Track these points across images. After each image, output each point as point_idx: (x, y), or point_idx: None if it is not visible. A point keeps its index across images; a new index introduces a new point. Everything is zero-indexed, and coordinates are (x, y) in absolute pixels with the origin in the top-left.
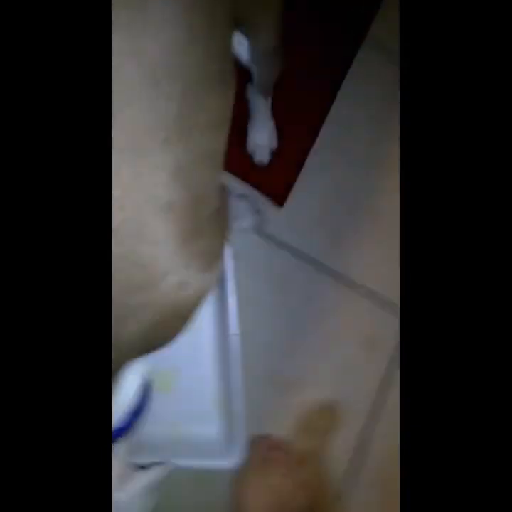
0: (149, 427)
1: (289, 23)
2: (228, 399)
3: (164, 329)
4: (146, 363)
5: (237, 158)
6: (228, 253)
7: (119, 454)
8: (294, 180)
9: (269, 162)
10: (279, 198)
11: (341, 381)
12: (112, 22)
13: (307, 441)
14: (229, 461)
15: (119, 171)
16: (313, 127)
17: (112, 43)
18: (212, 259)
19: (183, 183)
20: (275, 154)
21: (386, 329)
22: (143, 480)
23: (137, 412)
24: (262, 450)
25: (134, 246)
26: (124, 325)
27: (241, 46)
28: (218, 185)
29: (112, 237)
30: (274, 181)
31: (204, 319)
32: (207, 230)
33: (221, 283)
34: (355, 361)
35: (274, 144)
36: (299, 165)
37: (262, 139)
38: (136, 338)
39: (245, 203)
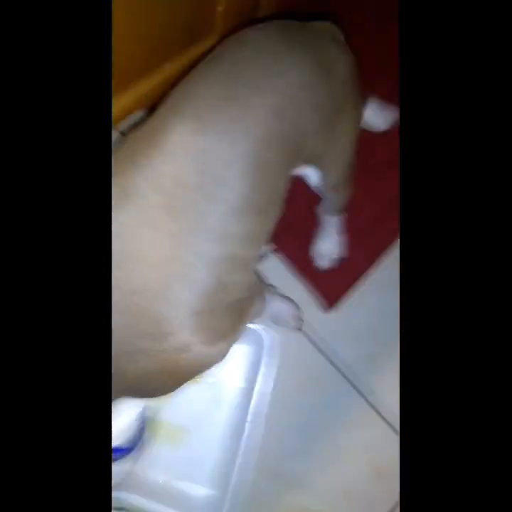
0: (148, 469)
1: None
2: (227, 474)
3: (156, 380)
4: (142, 403)
5: (299, 253)
6: (273, 345)
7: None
8: (349, 290)
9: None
10: (329, 302)
11: (341, 500)
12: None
13: None
14: None
15: (164, 245)
16: (381, 243)
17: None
18: (218, 338)
19: (212, 273)
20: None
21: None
22: None
23: (131, 446)
24: None
25: (153, 302)
26: (125, 361)
27: (310, 174)
28: (246, 284)
29: (137, 289)
30: (330, 285)
31: (231, 395)
32: (223, 313)
33: (256, 368)
34: (360, 484)
35: (339, 255)
36: (359, 277)
37: (326, 249)
38: (132, 377)
39: (287, 306)
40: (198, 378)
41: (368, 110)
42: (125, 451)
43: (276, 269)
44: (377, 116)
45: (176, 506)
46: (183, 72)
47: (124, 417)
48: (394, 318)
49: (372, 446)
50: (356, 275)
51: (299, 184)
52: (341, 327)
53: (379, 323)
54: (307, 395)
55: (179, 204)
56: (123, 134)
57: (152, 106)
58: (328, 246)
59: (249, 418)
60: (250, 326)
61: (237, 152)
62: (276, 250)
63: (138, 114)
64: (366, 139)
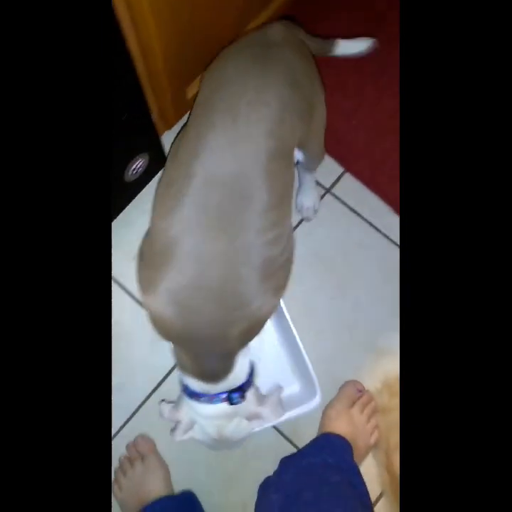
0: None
1: None
2: (299, 367)
3: (251, 332)
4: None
5: (368, 169)
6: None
7: (251, 395)
8: None
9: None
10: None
11: None
12: None
13: (389, 400)
14: (314, 404)
15: (221, 245)
16: None
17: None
18: (278, 291)
19: (262, 253)
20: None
21: None
22: (272, 400)
23: (251, 374)
24: (351, 390)
25: (233, 286)
26: (231, 328)
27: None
28: (287, 250)
29: (224, 280)
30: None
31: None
32: (278, 274)
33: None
34: None
35: (317, 206)
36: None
37: (308, 202)
38: (237, 335)
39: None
40: None
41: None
42: (245, 386)
43: (354, 188)
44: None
45: (286, 409)
46: None
47: (244, 360)
48: None
49: None
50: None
51: None
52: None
53: None
54: (389, 286)
55: (224, 209)
56: None
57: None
58: (308, 198)
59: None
60: None
61: (257, 158)
62: (351, 172)
63: None
64: None
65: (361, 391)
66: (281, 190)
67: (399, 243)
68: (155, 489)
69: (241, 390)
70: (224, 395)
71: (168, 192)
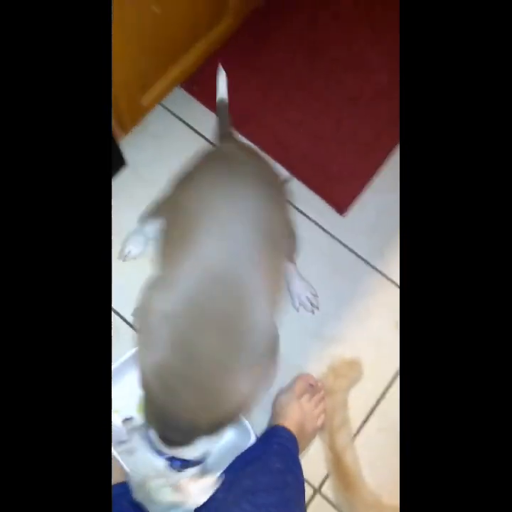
0: None
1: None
2: None
3: (220, 424)
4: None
5: (313, 174)
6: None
7: (189, 474)
8: (357, 197)
9: (341, 178)
10: (342, 208)
11: (371, 349)
12: None
13: (334, 382)
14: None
15: (215, 334)
16: (380, 156)
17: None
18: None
19: (256, 349)
20: (348, 170)
21: None
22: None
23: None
24: (303, 383)
25: (217, 383)
26: (201, 417)
27: None
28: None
29: (209, 376)
30: (342, 194)
31: None
32: (257, 366)
33: None
34: (386, 337)
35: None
36: (364, 185)
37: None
38: (206, 424)
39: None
40: None
41: None
42: (192, 462)
43: (299, 190)
44: None
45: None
46: (210, 49)
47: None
48: (394, 215)
49: (390, 306)
50: (362, 183)
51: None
52: (356, 225)
53: (383, 219)
54: (336, 275)
55: None
56: (168, 110)
57: None
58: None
59: None
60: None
61: (246, 250)
62: (296, 176)
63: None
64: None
65: (312, 385)
66: (273, 281)
67: (342, 241)
68: None
69: (186, 463)
70: (169, 455)
71: (167, 270)
